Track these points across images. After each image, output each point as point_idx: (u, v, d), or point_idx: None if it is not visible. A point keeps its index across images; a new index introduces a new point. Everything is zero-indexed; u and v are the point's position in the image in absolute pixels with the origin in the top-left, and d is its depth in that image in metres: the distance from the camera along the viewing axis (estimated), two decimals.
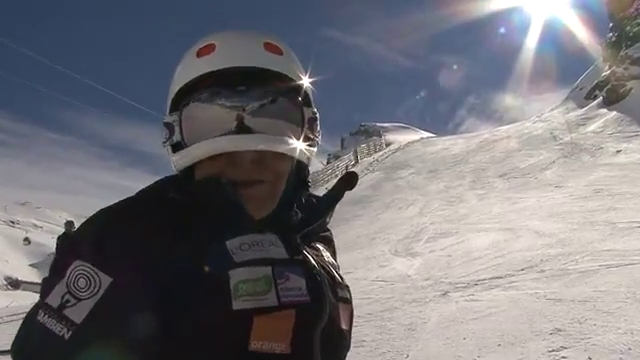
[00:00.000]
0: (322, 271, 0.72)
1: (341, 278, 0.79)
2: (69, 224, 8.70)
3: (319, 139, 0.76)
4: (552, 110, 24.17)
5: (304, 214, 0.77)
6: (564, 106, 23.81)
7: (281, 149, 0.68)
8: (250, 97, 0.67)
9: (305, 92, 0.74)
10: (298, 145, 0.70)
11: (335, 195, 0.78)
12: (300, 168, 0.76)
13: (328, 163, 32.10)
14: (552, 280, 4.93)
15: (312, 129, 0.74)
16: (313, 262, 0.71)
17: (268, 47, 0.70)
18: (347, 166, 25.42)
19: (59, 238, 8.58)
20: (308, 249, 0.74)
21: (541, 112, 25.04)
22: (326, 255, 0.81)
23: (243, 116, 0.66)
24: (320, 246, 0.82)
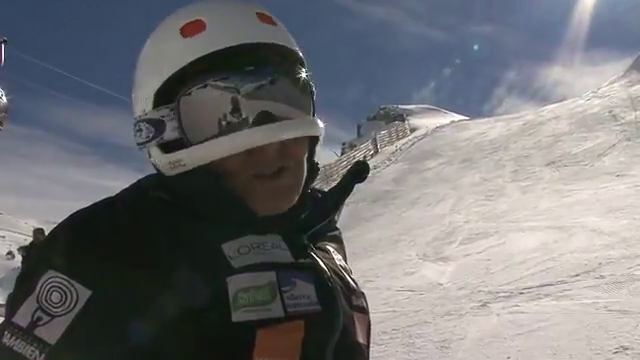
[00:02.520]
0: (334, 276, 0.73)
1: (355, 284, 0.80)
2: (38, 232, 8.70)
3: None
4: (612, 83, 23.83)
5: (309, 211, 0.77)
6: (626, 78, 23.46)
7: (316, 132, 0.71)
8: (260, 77, 0.67)
9: (304, 63, 0.76)
10: (321, 124, 0.73)
11: (343, 189, 0.79)
12: (310, 153, 0.78)
13: (342, 154, 32.13)
14: (614, 288, 4.87)
15: (315, 106, 0.76)
16: (323, 266, 0.72)
17: (261, 18, 0.71)
18: (365, 157, 25.41)
19: (26, 249, 8.64)
20: (316, 251, 0.74)
21: (597, 86, 24.65)
22: (337, 258, 0.81)
23: (238, 99, 0.66)
24: (330, 247, 0.82)
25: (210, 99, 0.66)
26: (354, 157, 25.29)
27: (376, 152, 26.21)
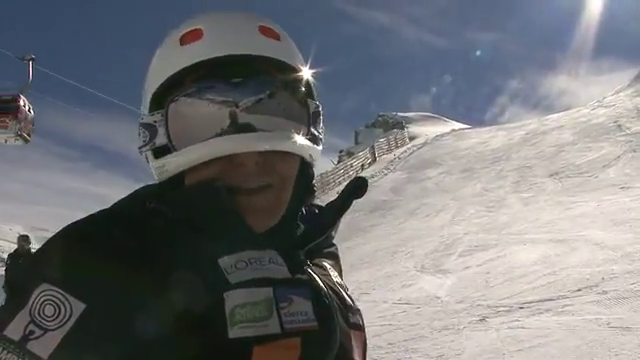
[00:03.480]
0: (330, 293, 0.73)
1: (352, 301, 0.80)
2: (23, 239, 8.63)
3: (322, 136, 0.78)
4: (617, 93, 23.96)
5: (306, 227, 0.78)
6: (633, 87, 23.60)
7: (292, 148, 0.69)
8: (247, 90, 0.68)
9: (307, 82, 0.76)
10: (309, 144, 0.72)
11: (341, 205, 0.80)
12: (304, 171, 0.77)
13: (339, 162, 32.12)
14: (617, 304, 4.89)
15: (316, 125, 0.76)
16: (320, 282, 0.72)
17: (264, 31, 0.71)
18: (363, 165, 25.44)
19: (10, 256, 8.62)
20: (313, 267, 0.75)
21: (603, 96, 24.81)
22: (333, 274, 0.82)
23: (236, 113, 0.67)
24: (327, 264, 0.83)
25: (206, 110, 0.68)
26: (351, 165, 25.33)
27: (374, 160, 26.23)
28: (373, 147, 27.83)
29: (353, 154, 31.48)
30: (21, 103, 9.10)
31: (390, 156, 26.02)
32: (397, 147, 28.79)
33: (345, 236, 11.94)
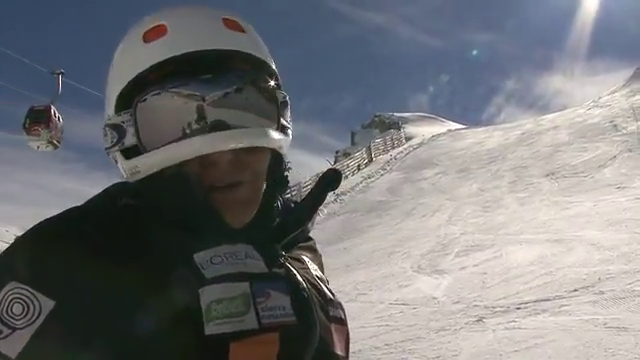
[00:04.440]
0: (309, 287, 0.73)
1: (332, 294, 0.80)
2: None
3: (291, 125, 0.78)
4: (613, 93, 24.08)
5: (282, 221, 0.78)
6: (628, 87, 23.73)
7: (265, 144, 0.69)
8: (216, 85, 0.67)
9: (274, 73, 0.76)
10: (279, 136, 0.72)
11: (316, 198, 0.79)
12: (276, 163, 0.77)
13: (336, 162, 32.16)
14: (613, 304, 4.91)
15: (284, 115, 0.75)
16: (298, 276, 0.72)
17: (228, 24, 0.71)
18: (359, 165, 25.45)
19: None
20: (291, 261, 0.75)
21: (598, 96, 24.93)
22: (312, 268, 0.81)
23: (204, 107, 0.66)
24: (305, 257, 0.83)
25: (173, 106, 0.67)
26: (347, 166, 25.32)
27: (370, 161, 26.24)
28: (369, 147, 27.83)
29: (349, 154, 31.48)
30: (52, 113, 9.86)
31: (386, 156, 26.03)
32: (393, 147, 28.80)
33: (342, 237, 11.96)
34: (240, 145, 0.66)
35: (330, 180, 0.80)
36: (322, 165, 28.45)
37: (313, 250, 0.90)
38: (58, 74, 11.07)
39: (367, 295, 7.15)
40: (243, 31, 0.72)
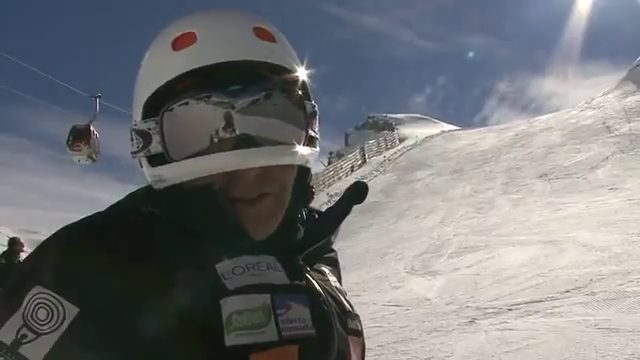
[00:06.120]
0: (329, 299, 0.73)
1: (351, 306, 0.80)
2: (13, 241, 8.73)
3: (319, 136, 0.77)
4: (605, 94, 24.22)
5: (305, 232, 0.78)
6: (621, 89, 23.86)
7: (293, 161, 0.69)
8: (245, 94, 0.66)
9: (303, 83, 0.75)
10: (308, 151, 0.71)
11: (342, 210, 0.80)
12: (302, 174, 0.76)
13: (329, 163, 32.10)
14: (605, 305, 4.95)
15: (313, 126, 0.74)
16: (318, 288, 0.72)
17: (259, 33, 0.70)
18: (352, 166, 25.47)
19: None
20: (312, 273, 0.75)
21: (591, 97, 25.09)
22: (332, 280, 0.82)
23: (232, 114, 0.65)
24: (326, 269, 0.83)
25: (200, 114, 0.66)
26: (341, 167, 25.32)
27: (364, 162, 26.26)
28: (363, 149, 27.86)
29: (343, 156, 31.48)
30: (92, 131, 11.18)
31: (380, 158, 26.07)
32: (387, 149, 28.86)
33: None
34: (269, 163, 0.66)
35: (357, 192, 0.80)
36: (315, 166, 28.32)
37: (335, 262, 0.90)
38: (96, 97, 12.30)
39: (360, 296, 7.14)
40: (274, 40, 0.71)
